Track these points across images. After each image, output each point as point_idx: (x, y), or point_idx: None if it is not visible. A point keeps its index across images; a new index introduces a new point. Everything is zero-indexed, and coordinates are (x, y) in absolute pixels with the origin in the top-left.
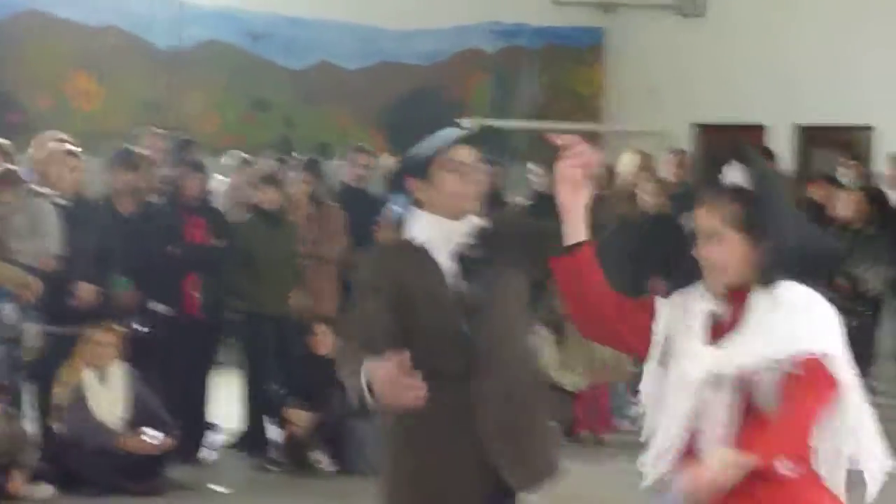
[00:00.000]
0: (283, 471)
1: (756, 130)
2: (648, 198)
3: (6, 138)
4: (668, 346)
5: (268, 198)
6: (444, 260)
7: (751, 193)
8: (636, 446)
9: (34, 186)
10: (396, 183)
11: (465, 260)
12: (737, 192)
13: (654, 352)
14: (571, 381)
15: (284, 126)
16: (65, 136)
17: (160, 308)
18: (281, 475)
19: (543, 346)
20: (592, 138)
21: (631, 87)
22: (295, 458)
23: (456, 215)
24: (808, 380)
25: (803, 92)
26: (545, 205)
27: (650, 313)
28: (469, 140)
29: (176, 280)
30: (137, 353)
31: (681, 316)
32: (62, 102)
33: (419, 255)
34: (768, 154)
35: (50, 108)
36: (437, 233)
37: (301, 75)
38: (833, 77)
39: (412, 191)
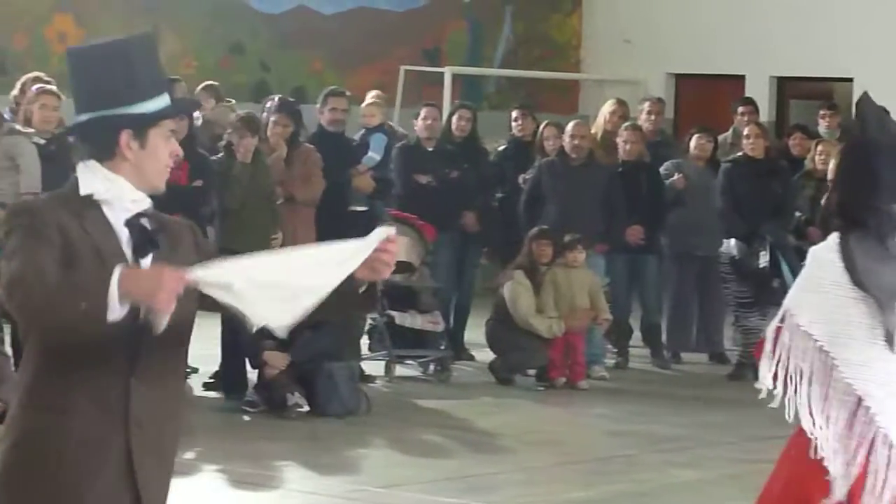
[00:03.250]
0: (258, 412)
1: (734, 81)
2: (626, 145)
3: None
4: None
5: (246, 145)
6: (120, 227)
7: None
8: (611, 393)
9: (14, 125)
10: (104, 136)
11: (140, 232)
12: None
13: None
14: (547, 326)
15: (260, 70)
16: (45, 77)
17: None
18: (256, 417)
19: (521, 293)
20: (569, 86)
21: (607, 35)
22: (271, 400)
23: (149, 187)
24: None
25: (779, 43)
26: (521, 152)
27: None
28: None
29: None
30: None
31: None
32: (39, 44)
33: (94, 213)
34: (752, 104)
35: (26, 50)
36: (122, 196)
37: (278, 19)
38: (810, 28)
39: (123, 145)
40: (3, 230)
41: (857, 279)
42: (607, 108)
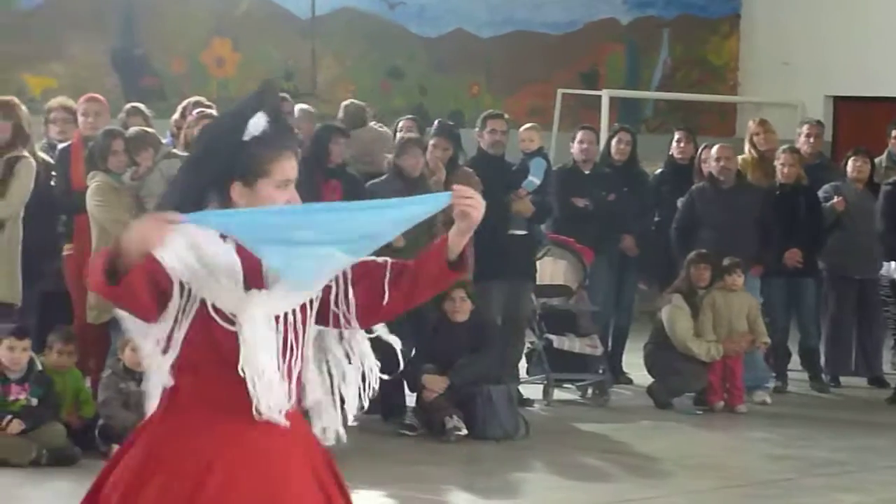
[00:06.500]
0: (417, 435)
1: (894, 103)
2: (783, 168)
3: (140, 102)
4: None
5: (413, 163)
6: None
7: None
8: (769, 416)
9: (172, 148)
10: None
11: None
12: None
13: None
14: (706, 350)
15: (418, 94)
16: (206, 101)
17: None
18: (414, 439)
19: (679, 316)
20: (726, 109)
21: (765, 58)
22: (430, 423)
23: None
24: None
25: None
26: (678, 175)
27: None
28: None
29: None
30: None
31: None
32: (197, 68)
33: None
34: None
35: (184, 74)
36: None
37: (435, 43)
38: None
39: None
40: None
41: None
42: (749, 129)
